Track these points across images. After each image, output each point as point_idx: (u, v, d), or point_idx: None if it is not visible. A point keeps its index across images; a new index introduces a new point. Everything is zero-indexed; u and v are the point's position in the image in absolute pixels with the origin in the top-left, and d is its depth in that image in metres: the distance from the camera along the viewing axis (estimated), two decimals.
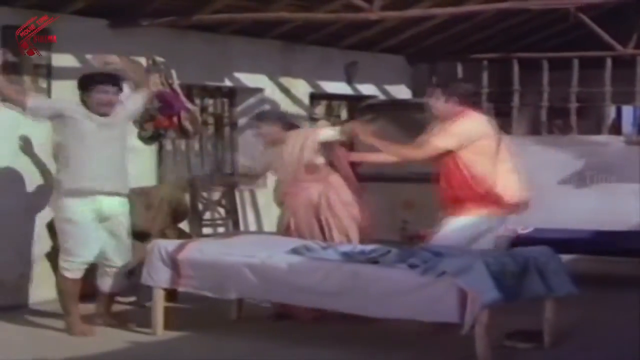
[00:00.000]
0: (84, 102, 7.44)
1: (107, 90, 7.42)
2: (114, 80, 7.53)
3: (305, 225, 7.84)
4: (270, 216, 10.77)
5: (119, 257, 7.51)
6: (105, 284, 7.60)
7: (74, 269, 7.39)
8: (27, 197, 8.50)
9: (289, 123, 8.26)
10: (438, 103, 7.31)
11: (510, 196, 7.21)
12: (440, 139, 7.18)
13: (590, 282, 8.70)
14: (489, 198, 7.12)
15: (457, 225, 7.17)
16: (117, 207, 7.46)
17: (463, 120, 7.20)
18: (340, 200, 7.86)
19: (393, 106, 11.74)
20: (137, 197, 8.07)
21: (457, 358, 6.46)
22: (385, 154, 7.61)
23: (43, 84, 8.58)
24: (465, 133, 7.15)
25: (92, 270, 7.68)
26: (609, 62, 11.66)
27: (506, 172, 7.26)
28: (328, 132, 8.04)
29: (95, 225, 7.38)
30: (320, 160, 7.94)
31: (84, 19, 8.85)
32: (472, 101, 7.50)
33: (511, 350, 6.64)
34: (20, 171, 8.45)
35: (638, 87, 11.64)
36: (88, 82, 7.45)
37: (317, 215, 7.86)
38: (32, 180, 8.51)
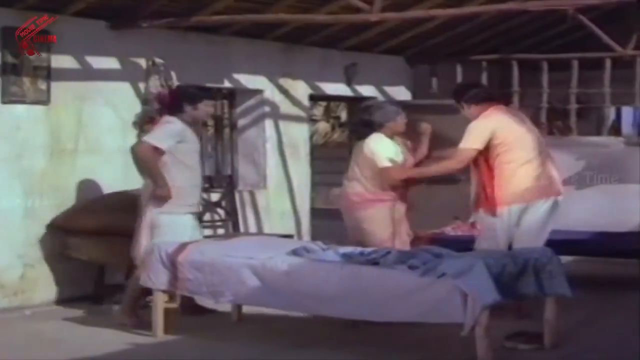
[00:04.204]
0: (179, 111, 7.73)
1: (211, 105, 8.03)
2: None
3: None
4: (270, 218, 10.81)
5: None
6: None
7: None
8: (28, 198, 8.49)
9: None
10: (464, 111, 7.83)
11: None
12: (462, 143, 7.61)
13: (590, 284, 8.72)
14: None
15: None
16: None
17: (477, 121, 7.66)
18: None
19: None
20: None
21: None
22: (430, 175, 8.00)
23: (42, 85, 8.57)
24: (477, 132, 7.59)
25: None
26: (608, 63, 11.66)
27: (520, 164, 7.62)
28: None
29: None
30: None
31: (84, 21, 8.84)
32: (488, 99, 7.85)
33: (512, 352, 6.63)
34: (21, 172, 8.44)
35: (637, 88, 11.64)
36: (197, 95, 7.83)
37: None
38: (33, 181, 8.50)
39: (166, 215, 7.53)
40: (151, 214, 7.58)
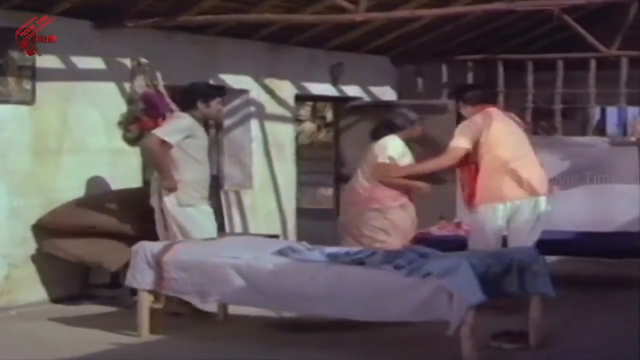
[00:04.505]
0: (192, 107, 7.93)
1: (221, 103, 8.27)
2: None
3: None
4: (256, 218, 10.80)
5: None
6: None
7: None
8: (12, 198, 8.46)
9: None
10: (461, 109, 8.17)
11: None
12: (453, 142, 7.87)
13: (575, 283, 8.75)
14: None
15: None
16: None
17: (468, 121, 7.98)
18: None
19: (377, 108, 11.72)
20: (130, 200, 8.15)
21: (443, 359, 6.47)
22: (423, 172, 8.16)
23: (27, 85, 8.54)
24: (467, 131, 7.85)
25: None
26: (593, 63, 11.68)
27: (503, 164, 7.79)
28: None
29: None
30: None
31: (68, 20, 8.80)
32: (481, 101, 8.14)
33: (497, 351, 6.64)
34: (5, 172, 8.41)
35: (622, 88, 11.67)
36: (211, 93, 8.04)
37: None
38: (17, 181, 8.47)
39: (185, 209, 7.74)
40: (172, 209, 7.75)
